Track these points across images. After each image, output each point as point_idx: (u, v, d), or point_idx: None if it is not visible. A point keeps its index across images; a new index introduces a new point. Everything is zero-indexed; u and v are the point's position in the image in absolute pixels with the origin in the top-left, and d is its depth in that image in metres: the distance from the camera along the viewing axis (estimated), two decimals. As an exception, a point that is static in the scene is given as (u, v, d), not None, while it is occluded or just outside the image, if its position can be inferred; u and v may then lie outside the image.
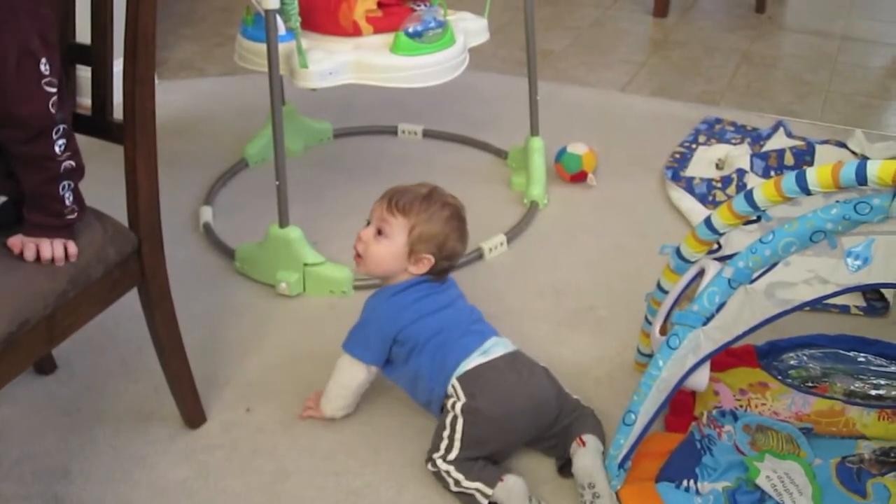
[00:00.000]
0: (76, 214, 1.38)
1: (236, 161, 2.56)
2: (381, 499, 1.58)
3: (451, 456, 1.55)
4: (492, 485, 1.51)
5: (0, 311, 1.25)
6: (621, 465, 1.51)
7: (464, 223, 1.69)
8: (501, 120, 2.76)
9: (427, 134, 2.73)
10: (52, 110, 1.30)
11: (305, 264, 2.03)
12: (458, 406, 1.56)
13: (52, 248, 1.35)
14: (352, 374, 1.66)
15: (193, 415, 1.70)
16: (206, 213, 2.32)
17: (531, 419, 1.59)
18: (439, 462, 1.56)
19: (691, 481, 1.55)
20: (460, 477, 1.53)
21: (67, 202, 1.36)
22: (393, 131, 2.75)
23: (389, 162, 2.60)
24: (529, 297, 2.07)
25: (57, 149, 1.32)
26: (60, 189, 1.35)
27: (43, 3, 1.30)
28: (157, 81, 3.01)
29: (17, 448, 1.65)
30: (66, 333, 1.39)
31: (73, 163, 1.35)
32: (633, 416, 1.47)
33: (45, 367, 1.81)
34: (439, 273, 1.67)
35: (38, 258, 1.35)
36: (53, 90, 1.29)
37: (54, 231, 1.36)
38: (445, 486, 1.55)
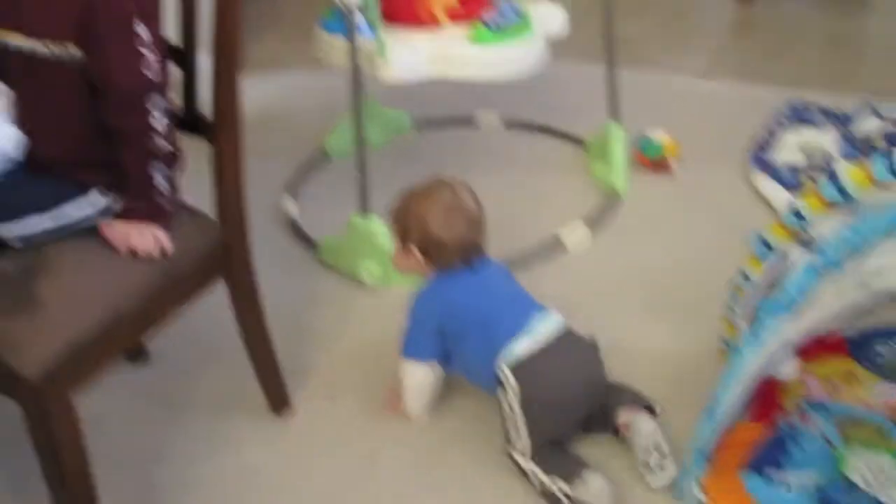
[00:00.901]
0: (167, 201, 1.42)
1: (318, 153, 2.60)
2: (466, 488, 1.59)
3: (522, 446, 1.56)
4: (570, 480, 1.52)
5: (95, 302, 1.31)
6: (706, 455, 1.50)
7: (452, 209, 1.62)
8: (581, 108, 2.74)
9: (505, 123, 2.73)
10: (149, 75, 1.34)
11: (387, 254, 2.05)
12: (515, 399, 1.56)
13: (143, 239, 1.39)
14: (415, 376, 1.69)
15: (279, 402, 1.74)
16: (290, 205, 2.36)
17: (586, 399, 1.61)
18: (518, 458, 1.57)
19: (778, 472, 1.53)
20: (544, 478, 1.53)
21: (160, 185, 1.41)
22: (471, 121, 2.75)
23: (468, 152, 2.61)
24: (611, 285, 2.05)
25: (153, 121, 1.37)
26: (154, 169, 1.39)
27: None
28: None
29: (111, 435, 1.71)
30: (156, 324, 1.43)
31: (168, 145, 1.40)
32: (717, 406, 1.45)
33: (137, 356, 1.88)
34: (457, 261, 1.64)
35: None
36: (151, 55, 1.34)
37: (145, 216, 1.41)
38: (531, 482, 1.56)
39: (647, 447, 1.54)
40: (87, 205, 1.42)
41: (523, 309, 1.65)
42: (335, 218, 2.19)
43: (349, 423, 1.73)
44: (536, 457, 1.55)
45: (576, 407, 1.61)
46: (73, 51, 1.33)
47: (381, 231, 2.05)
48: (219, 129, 1.45)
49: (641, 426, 1.57)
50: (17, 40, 1.36)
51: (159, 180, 1.40)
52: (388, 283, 2.08)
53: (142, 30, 1.34)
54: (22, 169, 1.45)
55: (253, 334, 1.64)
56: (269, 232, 2.28)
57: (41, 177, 1.42)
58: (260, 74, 3.14)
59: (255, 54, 3.31)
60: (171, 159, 1.42)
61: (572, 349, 1.62)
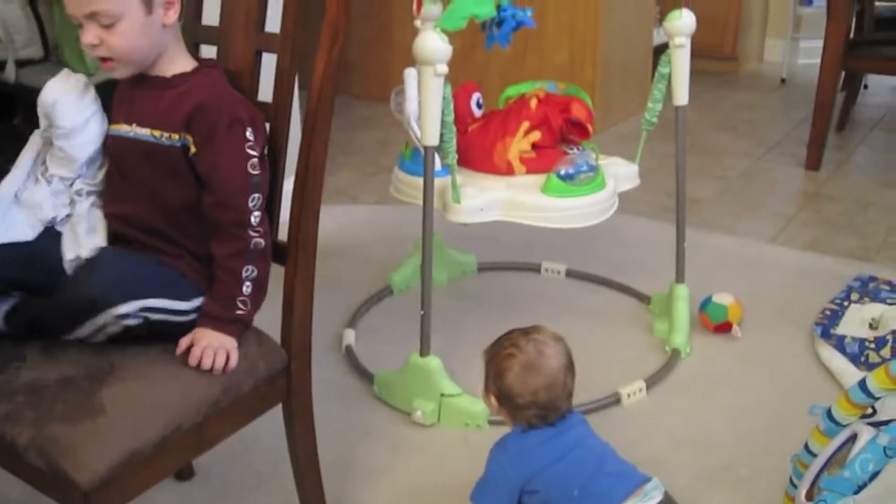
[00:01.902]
0: (248, 310, 1.45)
1: (382, 287, 2.64)
2: None
3: None
4: None
5: (157, 414, 1.31)
6: None
7: (532, 367, 1.58)
8: (646, 264, 2.76)
9: (570, 274, 2.75)
10: (252, 172, 1.43)
11: (442, 395, 2.04)
12: None
13: (215, 358, 1.41)
14: None
15: (322, 534, 1.71)
16: (350, 336, 2.38)
17: None
18: None
19: None
20: None
21: (245, 290, 1.44)
22: (536, 269, 2.78)
23: (531, 299, 2.62)
24: (666, 448, 2.01)
25: (252, 218, 1.43)
26: (244, 271, 1.43)
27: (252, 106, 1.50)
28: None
29: (151, 551, 1.69)
30: (212, 442, 1.43)
31: (262, 243, 1.45)
32: (774, 585, 1.39)
33: (184, 473, 1.87)
34: (534, 419, 1.61)
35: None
36: (254, 154, 1.44)
37: (224, 325, 1.43)
38: None
39: None
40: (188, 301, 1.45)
41: (625, 472, 1.60)
42: (393, 353, 2.20)
43: (389, 565, 1.69)
44: None
45: None
46: (177, 140, 1.44)
47: (438, 371, 2.05)
48: (293, 255, 1.49)
49: None
50: (125, 130, 1.49)
51: (247, 285, 1.43)
52: (439, 423, 2.06)
53: (251, 135, 1.44)
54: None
55: (303, 462, 1.63)
56: (326, 360, 2.29)
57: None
58: (333, 205, 3.24)
59: (329, 186, 3.42)
60: (262, 260, 1.45)
61: None
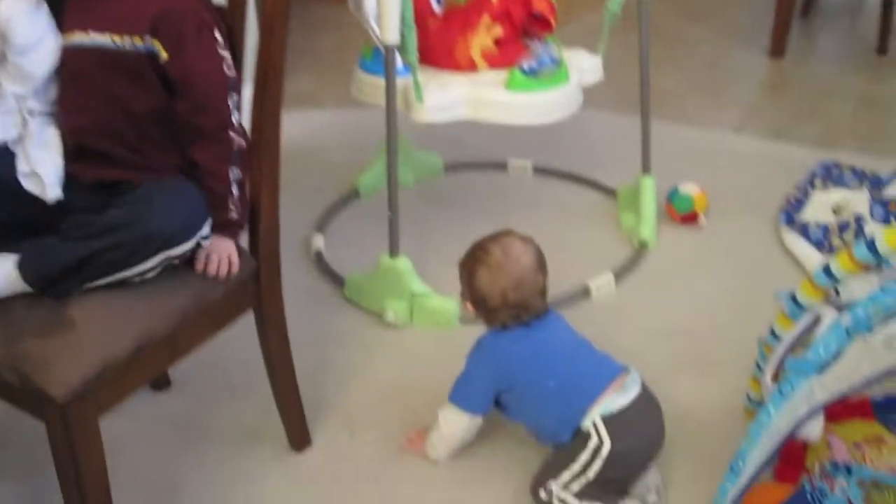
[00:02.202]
0: (240, 212, 1.45)
1: (348, 191, 2.62)
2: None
3: (575, 488, 1.56)
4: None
5: (128, 326, 1.31)
6: (728, 514, 1.48)
7: (499, 269, 1.61)
8: (612, 158, 2.75)
9: (537, 170, 2.74)
10: (228, 73, 1.42)
11: (414, 295, 2.06)
12: (602, 449, 1.56)
13: (211, 258, 1.43)
14: (457, 425, 1.67)
15: (299, 437, 1.74)
16: (319, 241, 2.37)
17: (657, 450, 1.63)
18: (556, 489, 1.56)
19: (801, 535, 1.51)
20: (575, 501, 1.54)
21: (234, 192, 1.44)
22: (503, 166, 2.77)
23: (498, 197, 2.62)
24: (636, 338, 2.04)
25: (233, 119, 1.43)
26: (231, 173, 1.43)
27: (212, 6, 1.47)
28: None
29: (129, 461, 1.71)
30: (185, 351, 1.44)
31: (243, 142, 1.44)
32: (741, 464, 1.44)
33: (160, 383, 1.88)
34: (508, 320, 1.64)
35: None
36: (226, 55, 1.43)
37: (220, 229, 1.43)
38: None
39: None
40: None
41: (610, 366, 1.65)
42: (362, 256, 2.20)
43: (369, 461, 1.73)
44: (581, 496, 1.56)
45: (649, 458, 1.63)
46: (141, 45, 1.40)
47: (408, 271, 2.05)
48: (258, 159, 1.47)
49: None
50: (81, 38, 1.44)
51: (235, 186, 1.43)
52: (412, 323, 2.08)
53: (219, 36, 1.43)
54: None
55: (278, 368, 1.64)
56: (296, 266, 2.29)
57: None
58: (294, 111, 3.18)
59: (290, 91, 3.35)
60: (244, 161, 1.45)
61: (653, 408, 1.64)
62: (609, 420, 1.57)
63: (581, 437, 1.58)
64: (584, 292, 2.17)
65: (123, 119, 1.44)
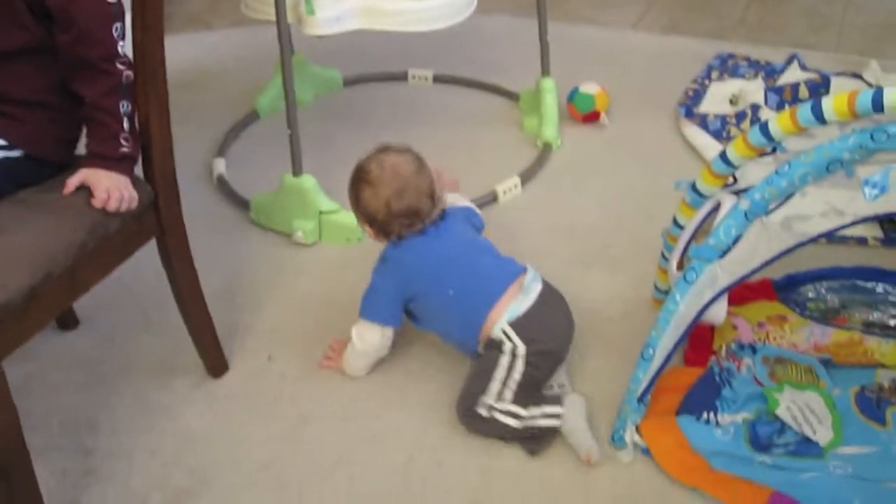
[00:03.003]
0: (132, 146, 1.40)
1: (247, 113, 2.56)
2: (404, 441, 1.60)
3: (508, 395, 1.57)
4: (558, 403, 1.57)
5: (22, 263, 1.27)
6: (641, 400, 1.52)
7: (379, 181, 1.63)
8: (512, 62, 2.74)
9: (437, 79, 2.71)
10: (111, 1, 1.34)
11: (321, 212, 2.03)
12: (518, 351, 1.58)
13: (109, 193, 1.37)
14: (370, 340, 1.67)
15: (216, 364, 1.72)
16: (220, 165, 2.32)
17: (568, 342, 1.67)
18: (496, 404, 1.57)
19: (711, 413, 1.56)
20: (522, 411, 1.56)
21: (125, 125, 1.38)
22: (403, 77, 2.73)
23: (400, 108, 2.59)
24: (544, 238, 2.07)
25: (119, 48, 1.36)
26: (121, 106, 1.37)
27: None
28: (164, 35, 3.00)
29: (44, 402, 1.67)
30: (86, 286, 1.40)
31: (131, 74, 1.38)
32: (651, 351, 1.48)
33: (68, 322, 1.84)
34: (402, 230, 1.65)
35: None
36: None
37: (113, 164, 1.38)
38: (500, 430, 1.57)
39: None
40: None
41: (511, 270, 1.66)
42: (266, 177, 2.16)
43: (288, 382, 1.72)
44: (519, 402, 1.57)
45: (563, 352, 1.66)
46: None
47: (313, 189, 2.03)
48: (143, 84, 1.41)
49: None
50: None
51: (125, 120, 1.38)
52: (321, 241, 2.06)
53: None
54: None
55: (186, 296, 1.62)
56: (198, 192, 2.24)
57: None
58: (185, 34, 3.08)
59: (180, 13, 3.24)
60: (133, 93, 1.39)
61: (557, 299, 1.67)
62: (517, 324, 1.59)
63: (495, 347, 1.60)
64: (492, 197, 2.18)
65: None
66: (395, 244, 1.66)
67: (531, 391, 1.59)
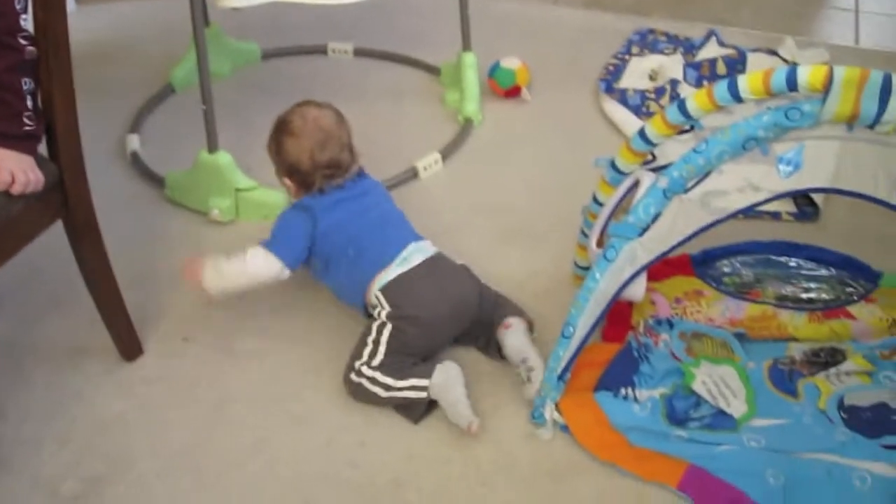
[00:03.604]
0: (36, 125, 1.35)
1: (162, 87, 2.48)
2: (327, 421, 1.58)
3: (376, 361, 1.57)
4: (427, 376, 1.55)
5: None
6: (561, 377, 1.53)
7: (301, 132, 1.67)
8: (433, 36, 2.71)
9: (358, 52, 2.67)
10: None
11: (237, 189, 1.99)
12: (384, 314, 1.60)
13: (14, 176, 1.32)
14: (263, 270, 1.65)
15: (129, 347, 1.68)
16: (133, 141, 2.25)
17: (454, 318, 1.64)
18: (364, 369, 1.57)
19: (629, 389, 1.58)
20: (389, 380, 1.56)
21: (28, 104, 1.34)
22: (323, 50, 2.68)
23: (320, 82, 2.54)
24: (465, 214, 2.06)
25: (21, 22, 1.31)
26: (24, 84, 1.33)
27: None
28: (74, 7, 2.90)
29: (-53, 389, 1.62)
30: (-10, 270, 1.34)
31: (34, 51, 1.33)
32: (571, 329, 1.48)
33: (-27, 305, 1.77)
34: (322, 182, 1.67)
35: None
36: None
37: (16, 143, 1.33)
38: (372, 398, 1.57)
39: (515, 361, 1.61)
40: None
41: (398, 238, 1.67)
42: (181, 154, 2.10)
43: (205, 364, 1.69)
44: (387, 370, 1.57)
45: (444, 325, 1.64)
46: None
47: (229, 166, 1.98)
48: (45, 58, 1.35)
49: (509, 340, 1.63)
50: None
51: (29, 98, 1.33)
52: (237, 218, 2.02)
53: None
54: None
55: (97, 278, 1.57)
56: (111, 170, 2.18)
57: None
58: (96, 4, 2.98)
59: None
60: (36, 70, 1.34)
61: (442, 272, 1.66)
62: (386, 288, 1.61)
63: (373, 312, 1.62)
64: (413, 173, 2.16)
65: None
66: (313, 196, 1.68)
67: (401, 360, 1.58)
